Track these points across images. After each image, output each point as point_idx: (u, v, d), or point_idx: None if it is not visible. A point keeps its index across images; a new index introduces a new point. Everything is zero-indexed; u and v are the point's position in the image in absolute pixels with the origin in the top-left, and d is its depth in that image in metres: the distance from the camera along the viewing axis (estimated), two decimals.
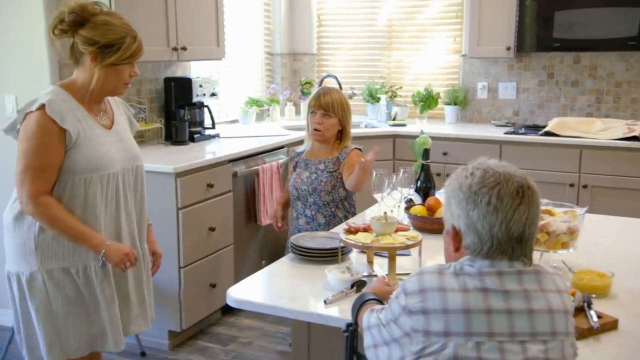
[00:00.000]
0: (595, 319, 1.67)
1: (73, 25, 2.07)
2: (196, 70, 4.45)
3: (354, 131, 4.73)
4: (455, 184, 1.41)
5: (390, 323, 1.37)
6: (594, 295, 1.85)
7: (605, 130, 4.24)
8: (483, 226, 1.34)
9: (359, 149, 2.97)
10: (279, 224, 3.12)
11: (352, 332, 1.60)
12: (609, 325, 1.69)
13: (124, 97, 3.64)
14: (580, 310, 1.72)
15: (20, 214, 2.13)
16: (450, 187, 1.43)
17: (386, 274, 2.02)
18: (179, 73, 4.26)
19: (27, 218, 2.12)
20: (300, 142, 4.40)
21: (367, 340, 1.44)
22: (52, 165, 2.06)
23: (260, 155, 3.95)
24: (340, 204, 2.96)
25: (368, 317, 1.47)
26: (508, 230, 1.33)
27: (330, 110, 2.90)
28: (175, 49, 3.72)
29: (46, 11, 3.34)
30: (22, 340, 2.21)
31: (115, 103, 2.33)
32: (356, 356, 1.60)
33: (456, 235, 1.41)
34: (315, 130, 2.92)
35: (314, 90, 5.30)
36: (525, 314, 1.31)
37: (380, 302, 1.61)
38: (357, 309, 1.61)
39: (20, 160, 2.07)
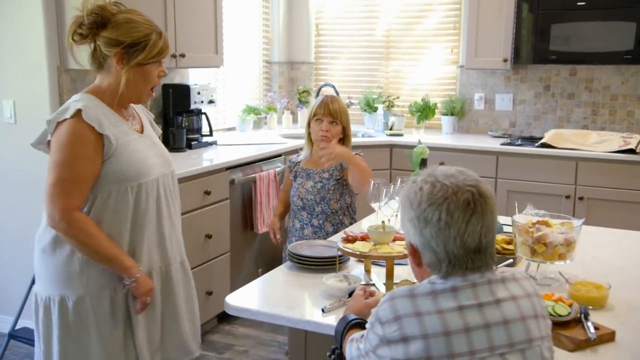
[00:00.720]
0: (592, 330, 1.67)
1: (93, 27, 1.94)
2: (194, 78, 4.46)
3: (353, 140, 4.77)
4: (405, 201, 1.38)
5: (369, 353, 1.34)
6: (590, 307, 1.84)
7: (601, 143, 4.26)
8: (437, 244, 1.32)
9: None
10: (278, 236, 3.11)
11: (339, 355, 1.58)
12: (606, 337, 1.68)
13: None
14: (577, 322, 1.72)
15: (59, 235, 1.96)
16: (401, 202, 1.41)
17: (383, 283, 2.02)
18: (177, 80, 4.26)
19: None
20: (297, 152, 4.41)
21: None
22: (87, 177, 1.90)
23: (257, 163, 3.96)
24: (347, 210, 2.98)
25: (349, 349, 1.45)
26: (463, 244, 1.31)
27: (337, 117, 2.92)
28: (173, 56, 3.72)
29: (45, 14, 3.34)
30: None
31: (137, 107, 2.19)
32: None
33: (414, 252, 1.40)
34: (323, 137, 2.91)
35: (312, 99, 5.35)
36: (501, 325, 1.30)
37: (364, 321, 1.57)
38: (342, 333, 1.58)
39: (52, 173, 1.90)
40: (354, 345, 1.43)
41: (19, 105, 3.51)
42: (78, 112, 1.89)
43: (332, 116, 2.91)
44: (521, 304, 1.33)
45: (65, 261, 1.96)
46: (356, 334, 1.47)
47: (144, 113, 2.23)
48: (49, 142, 1.95)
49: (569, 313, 1.72)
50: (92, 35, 1.95)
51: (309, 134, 3.00)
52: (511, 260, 2.18)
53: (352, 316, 1.61)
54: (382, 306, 1.33)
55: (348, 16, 5.49)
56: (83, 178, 1.90)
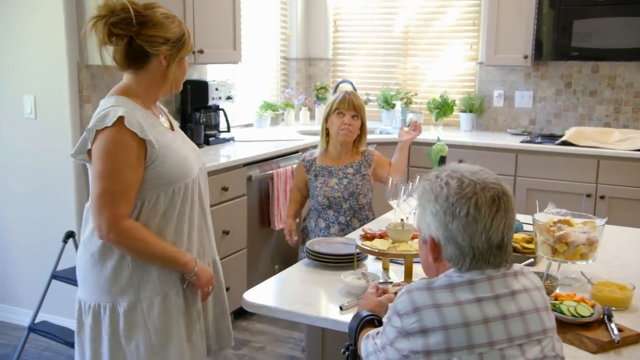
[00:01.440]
0: (616, 332, 1.65)
1: (129, 26, 1.83)
2: (212, 74, 4.46)
3: (368, 137, 4.74)
4: (429, 195, 1.39)
5: (386, 347, 1.35)
6: (614, 308, 1.82)
7: (624, 141, 4.21)
8: (464, 238, 1.34)
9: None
10: (294, 238, 3.09)
11: (353, 352, 1.58)
12: (631, 339, 1.66)
13: None
14: (600, 323, 1.70)
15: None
16: (424, 197, 1.41)
17: (398, 281, 2.01)
18: (195, 76, 4.27)
19: None
20: (315, 147, 4.40)
21: None
22: (132, 185, 1.84)
23: (274, 160, 3.95)
24: (370, 206, 3.01)
25: (365, 345, 1.45)
26: (488, 239, 1.34)
27: (359, 112, 2.95)
28: (192, 52, 3.72)
29: (65, 11, 3.36)
30: None
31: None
32: None
33: (435, 247, 1.40)
34: (344, 130, 2.92)
35: (330, 95, 5.33)
36: (518, 316, 1.33)
37: (378, 317, 1.59)
38: (356, 329, 1.58)
39: (96, 184, 1.83)
40: (369, 341, 1.44)
41: (39, 101, 3.54)
42: (120, 119, 1.81)
43: (355, 110, 2.93)
44: (533, 296, 1.37)
45: (115, 268, 1.91)
46: (372, 331, 1.48)
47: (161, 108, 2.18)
48: (88, 150, 1.87)
49: (592, 314, 1.70)
50: (130, 34, 1.84)
51: (326, 129, 2.98)
52: (532, 259, 2.16)
53: (365, 312, 1.62)
54: (400, 299, 1.34)
55: (366, 12, 5.47)
56: (128, 187, 1.84)
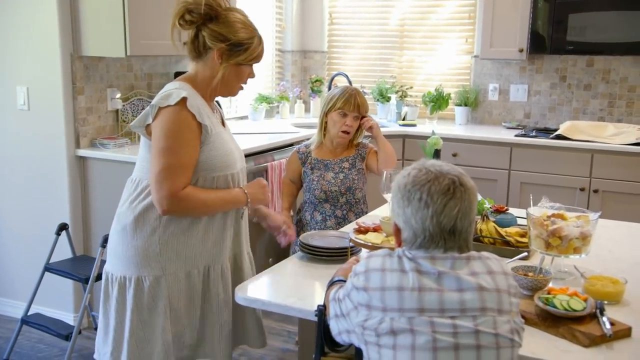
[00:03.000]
0: (608, 325, 1.66)
1: (204, 17, 1.97)
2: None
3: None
4: (395, 185, 1.53)
5: (345, 298, 1.51)
6: (606, 302, 1.83)
7: (618, 135, 4.21)
8: (416, 220, 1.45)
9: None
10: (292, 233, 3.06)
11: (321, 311, 1.70)
12: (622, 333, 1.67)
13: (132, 90, 3.65)
14: (592, 317, 1.71)
15: (142, 215, 2.01)
16: (392, 188, 1.55)
17: None
18: (190, 67, 4.24)
19: (150, 219, 2.00)
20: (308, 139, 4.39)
21: (330, 311, 1.59)
22: (190, 162, 1.96)
23: (269, 152, 3.94)
24: (365, 200, 3.02)
25: (333, 293, 1.61)
26: (439, 223, 1.44)
27: (362, 111, 2.92)
28: (186, 43, 3.69)
29: (59, 2, 3.34)
30: (110, 347, 2.07)
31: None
32: (325, 333, 1.68)
33: (397, 232, 1.53)
34: (345, 132, 2.92)
35: (325, 88, 5.32)
36: (455, 292, 1.41)
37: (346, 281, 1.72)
38: (327, 288, 1.74)
39: (158, 159, 1.93)
40: (338, 291, 1.58)
41: (32, 92, 3.52)
42: (183, 100, 1.93)
43: (358, 111, 2.91)
44: (480, 278, 1.43)
45: (145, 242, 2.01)
46: (340, 285, 1.64)
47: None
48: (147, 126, 1.98)
49: (584, 308, 1.71)
50: (199, 24, 1.98)
51: (325, 122, 2.96)
52: (525, 253, 2.17)
53: (338, 276, 1.77)
54: (361, 262, 1.52)
55: (362, 5, 5.45)
56: (187, 163, 1.95)
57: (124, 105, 3.74)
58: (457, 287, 1.41)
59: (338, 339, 1.56)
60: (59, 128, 3.47)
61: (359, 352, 1.55)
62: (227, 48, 1.99)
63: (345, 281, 1.70)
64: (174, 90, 1.97)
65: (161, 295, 2.02)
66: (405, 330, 1.38)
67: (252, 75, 2.12)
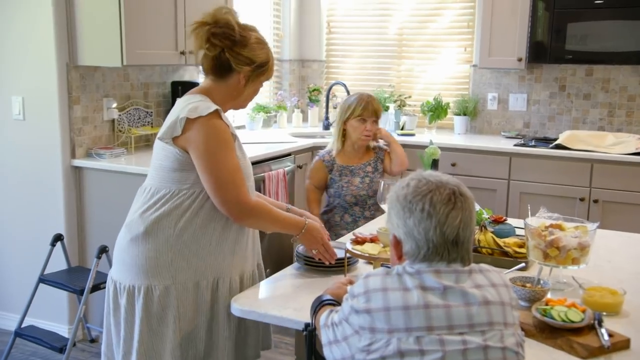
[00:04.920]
0: (606, 337, 1.66)
1: (226, 41, 2.03)
2: (203, 75, 4.45)
3: None
4: (393, 196, 1.51)
5: (342, 322, 1.46)
6: (604, 313, 1.83)
7: (618, 145, 4.23)
8: (419, 232, 1.43)
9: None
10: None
11: (310, 332, 1.68)
12: (621, 345, 1.67)
13: (129, 99, 3.65)
14: (590, 328, 1.71)
15: (156, 224, 2.01)
16: (389, 199, 1.52)
17: None
18: (186, 77, 4.27)
19: (164, 227, 2.01)
20: (308, 150, 4.41)
21: (323, 338, 1.54)
22: (240, 167, 2.03)
23: (266, 162, 3.95)
24: None
25: (325, 318, 1.56)
26: (442, 234, 1.42)
27: (379, 115, 3.17)
28: (182, 53, 3.73)
29: (55, 11, 3.36)
30: (120, 357, 2.08)
31: None
32: (314, 354, 1.67)
33: (397, 244, 1.50)
34: (367, 137, 3.16)
35: (322, 97, 5.34)
36: (462, 307, 1.39)
37: (337, 303, 1.69)
38: (315, 310, 1.70)
39: (213, 174, 1.97)
40: (329, 315, 1.56)
41: (28, 102, 3.53)
42: (217, 111, 1.99)
43: (376, 115, 3.14)
44: (485, 291, 1.42)
45: (157, 251, 2.02)
46: (334, 308, 1.61)
47: None
48: (175, 138, 2.00)
49: (582, 319, 1.71)
50: (224, 46, 2.03)
51: (343, 130, 3.16)
52: (523, 264, 2.17)
53: (326, 296, 1.74)
54: (358, 282, 1.47)
55: (360, 14, 5.48)
56: (239, 169, 2.02)
57: (120, 115, 3.76)
58: (464, 301, 1.40)
59: None
60: (55, 138, 3.48)
61: None
62: (252, 70, 2.07)
63: (334, 301, 1.70)
64: (200, 102, 2.00)
65: (170, 305, 2.03)
66: (413, 351, 1.35)
67: (261, 87, 2.19)
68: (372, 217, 3.13)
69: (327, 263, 2.16)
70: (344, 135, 3.19)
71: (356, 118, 3.12)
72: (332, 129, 3.36)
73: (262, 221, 2.10)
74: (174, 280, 2.03)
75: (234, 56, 2.03)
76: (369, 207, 3.20)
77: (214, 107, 1.99)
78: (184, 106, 2.01)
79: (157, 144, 2.07)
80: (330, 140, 3.36)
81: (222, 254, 2.08)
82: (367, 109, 3.12)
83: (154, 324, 2.04)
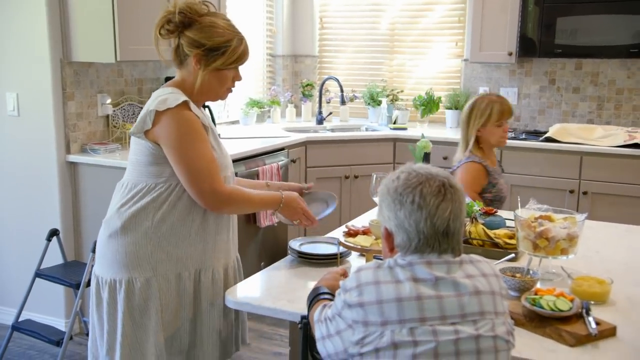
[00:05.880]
0: (593, 325, 1.68)
1: (180, 25, 2.00)
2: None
3: (354, 134, 4.77)
4: (384, 189, 1.51)
5: (335, 317, 1.47)
6: (592, 302, 1.85)
7: (606, 137, 4.26)
8: (410, 224, 1.44)
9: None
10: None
11: (306, 324, 1.68)
12: (607, 332, 1.69)
13: (123, 95, 3.65)
14: (578, 317, 1.73)
15: (134, 218, 2.01)
16: (380, 192, 1.53)
17: None
18: (176, 74, 4.25)
19: (142, 221, 2.00)
20: (301, 144, 4.42)
21: (317, 333, 1.54)
22: (213, 156, 2.01)
23: (260, 157, 3.96)
24: None
25: (318, 313, 1.57)
26: (433, 225, 1.43)
27: (512, 113, 3.12)
28: (158, 49, 3.70)
29: (48, 7, 3.35)
30: (104, 351, 2.08)
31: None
32: (309, 346, 1.67)
33: (388, 236, 1.51)
34: (505, 138, 3.09)
35: (316, 92, 5.34)
36: (454, 297, 1.40)
37: (333, 295, 1.68)
38: (310, 303, 1.70)
39: (185, 166, 1.95)
40: (322, 310, 1.56)
41: (22, 98, 3.52)
42: (185, 102, 1.96)
43: (509, 116, 3.07)
44: (475, 281, 1.44)
45: (136, 245, 2.02)
46: (327, 302, 1.61)
47: None
48: (147, 132, 1.98)
49: (571, 308, 1.72)
50: (177, 32, 2.01)
51: (478, 137, 3.03)
52: (513, 255, 2.19)
53: (323, 289, 1.73)
54: (350, 277, 1.47)
55: (352, 9, 5.48)
56: (212, 158, 1.99)
57: (114, 111, 3.75)
58: (455, 291, 1.41)
59: (327, 359, 1.51)
60: (49, 134, 3.48)
61: None
62: (204, 53, 1.99)
63: (329, 293, 1.70)
64: (169, 95, 1.98)
65: (152, 297, 2.03)
66: (407, 342, 1.36)
67: (237, 77, 2.12)
68: None
69: (306, 227, 2.16)
70: (479, 141, 3.06)
71: (494, 124, 3.02)
72: (460, 136, 3.14)
73: (240, 206, 2.09)
74: (155, 272, 2.02)
75: (186, 40, 2.00)
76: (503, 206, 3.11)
77: (182, 98, 1.97)
78: (154, 99, 2.00)
79: (132, 139, 2.06)
80: (458, 148, 3.17)
81: (202, 245, 2.08)
82: (503, 114, 3.02)
83: (137, 316, 2.03)
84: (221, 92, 2.11)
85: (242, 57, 2.06)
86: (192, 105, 2.00)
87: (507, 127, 3.08)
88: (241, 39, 2.05)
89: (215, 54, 2.00)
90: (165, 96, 1.97)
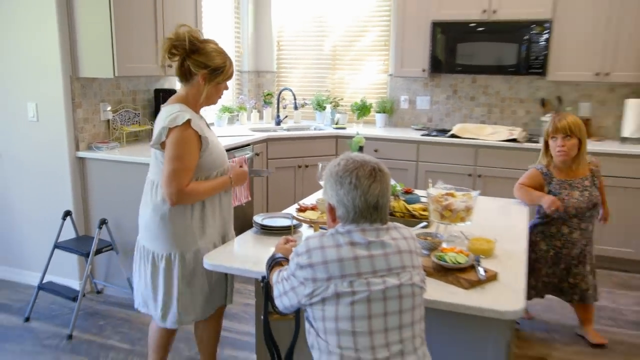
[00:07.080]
0: (482, 273, 1.74)
1: (187, 51, 2.03)
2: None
3: (305, 133, 4.77)
4: (327, 172, 1.50)
5: (290, 277, 1.46)
6: (482, 256, 1.92)
7: (494, 134, 4.36)
8: (348, 200, 1.44)
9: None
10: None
11: (266, 284, 1.68)
12: (491, 277, 1.76)
13: (120, 103, 3.57)
14: (472, 267, 1.79)
15: (176, 209, 2.06)
16: (325, 175, 1.52)
17: None
18: (167, 85, 4.19)
19: (185, 211, 2.06)
20: (263, 141, 4.40)
21: (275, 292, 1.53)
22: (192, 166, 2.02)
23: (230, 151, 3.93)
24: (599, 210, 2.80)
25: (276, 276, 1.56)
26: (366, 201, 1.43)
27: (570, 132, 2.62)
28: (163, 66, 3.63)
29: (59, 31, 3.25)
30: (159, 307, 2.14)
31: None
32: (270, 301, 1.67)
33: (331, 210, 1.50)
34: (560, 153, 2.64)
35: (274, 100, 5.31)
36: (382, 256, 1.41)
37: (286, 259, 1.69)
38: (269, 266, 1.70)
39: (168, 164, 1.99)
40: (279, 273, 1.55)
41: (40, 107, 3.42)
42: (188, 121, 1.98)
43: (564, 132, 2.62)
44: (398, 243, 1.45)
45: (186, 224, 2.07)
46: (283, 266, 1.61)
47: None
48: (162, 143, 2.02)
49: (467, 261, 1.79)
50: (184, 55, 2.03)
51: (547, 148, 2.75)
52: (425, 223, 2.24)
53: (279, 255, 1.72)
54: (301, 244, 1.47)
55: (303, 34, 5.46)
56: (189, 167, 2.00)
57: (113, 116, 3.67)
58: (383, 251, 1.41)
59: (285, 311, 1.51)
60: (62, 135, 3.38)
61: (297, 310, 1.54)
62: (208, 72, 2.04)
63: (284, 258, 1.69)
64: (178, 113, 2.00)
65: (200, 263, 2.09)
66: (347, 292, 1.37)
67: (226, 88, 2.16)
68: (586, 228, 2.71)
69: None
70: (546, 149, 2.74)
71: (551, 138, 2.67)
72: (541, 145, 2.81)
73: (198, 197, 2.07)
74: (201, 244, 2.10)
75: (192, 62, 2.03)
76: (586, 218, 2.70)
77: (187, 116, 1.99)
78: (166, 116, 2.01)
79: (152, 150, 2.09)
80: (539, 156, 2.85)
81: (221, 222, 2.18)
82: (557, 128, 2.63)
83: (189, 279, 2.11)
84: (217, 99, 2.16)
85: (232, 73, 2.14)
86: (195, 122, 2.01)
87: (561, 142, 2.63)
88: (231, 61, 2.11)
89: (217, 72, 2.06)
90: (175, 114, 1.99)
